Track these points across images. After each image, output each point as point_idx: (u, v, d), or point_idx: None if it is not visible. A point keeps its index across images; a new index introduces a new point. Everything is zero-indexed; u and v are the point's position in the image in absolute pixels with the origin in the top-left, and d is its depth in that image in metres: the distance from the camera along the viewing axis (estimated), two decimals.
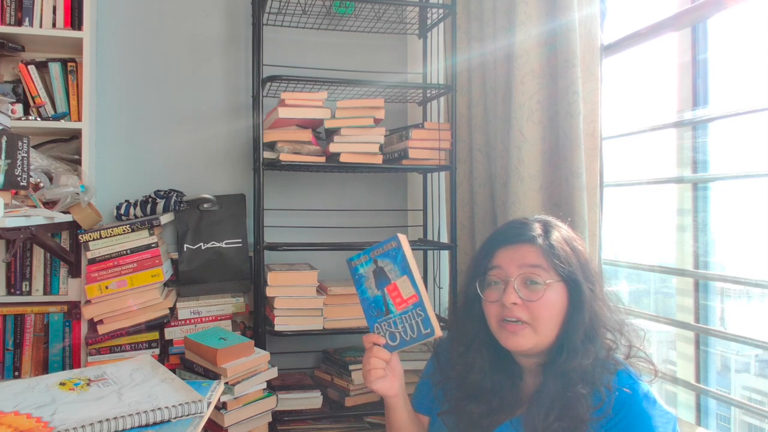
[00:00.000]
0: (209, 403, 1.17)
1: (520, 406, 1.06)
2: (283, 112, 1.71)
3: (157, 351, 1.74)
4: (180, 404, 1.10)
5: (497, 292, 1.05)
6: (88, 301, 1.68)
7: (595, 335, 1.00)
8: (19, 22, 1.75)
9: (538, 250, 1.02)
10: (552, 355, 1.03)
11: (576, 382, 0.96)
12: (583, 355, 0.98)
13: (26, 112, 1.81)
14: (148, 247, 1.73)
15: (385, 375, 1.11)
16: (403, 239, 1.11)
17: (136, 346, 1.72)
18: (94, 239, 1.69)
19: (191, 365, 1.53)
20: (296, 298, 1.71)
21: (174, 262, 1.95)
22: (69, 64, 1.83)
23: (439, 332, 1.07)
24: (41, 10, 1.76)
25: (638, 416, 0.94)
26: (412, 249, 1.12)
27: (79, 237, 1.69)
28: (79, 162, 1.78)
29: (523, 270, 1.02)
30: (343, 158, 1.73)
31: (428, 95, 2.05)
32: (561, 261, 1.01)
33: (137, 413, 1.05)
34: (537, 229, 1.06)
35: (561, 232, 1.07)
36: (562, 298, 1.02)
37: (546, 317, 1.01)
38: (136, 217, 1.86)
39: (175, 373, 1.34)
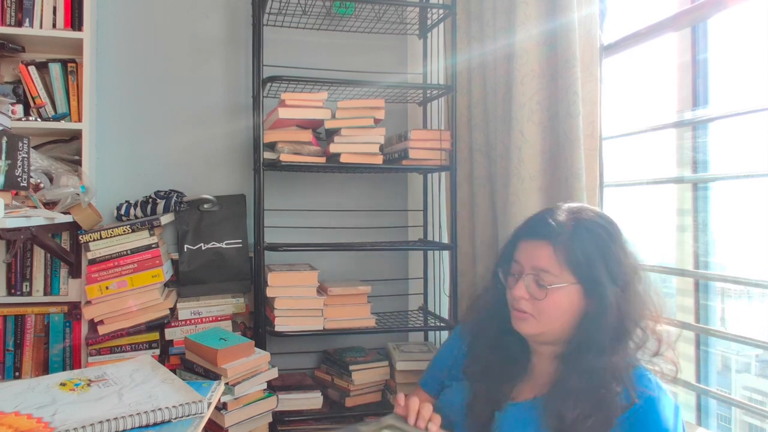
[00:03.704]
0: (209, 404, 1.18)
1: (530, 387, 1.09)
2: (284, 113, 1.71)
3: (157, 351, 1.74)
4: (180, 405, 1.10)
5: (514, 281, 1.10)
6: (88, 302, 1.68)
7: (624, 335, 1.00)
8: (19, 23, 1.75)
9: (553, 251, 1.02)
10: (572, 349, 1.03)
11: (609, 381, 0.97)
12: (611, 352, 0.98)
13: (26, 113, 1.81)
14: (148, 247, 1.73)
15: None
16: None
17: (136, 347, 1.72)
18: (94, 240, 1.69)
19: (191, 366, 1.53)
20: (296, 298, 1.71)
21: (174, 262, 1.95)
22: (69, 64, 1.83)
23: None
24: (41, 10, 1.76)
25: (650, 405, 0.96)
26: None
27: (80, 237, 1.69)
28: (79, 162, 1.78)
29: (534, 271, 1.05)
30: (343, 158, 1.73)
31: (428, 95, 2.05)
32: (579, 263, 1.01)
33: (137, 414, 1.05)
34: (562, 224, 1.03)
35: (591, 229, 1.03)
36: (574, 299, 1.02)
37: (551, 315, 1.03)
38: (136, 217, 1.86)
39: (175, 373, 1.34)
